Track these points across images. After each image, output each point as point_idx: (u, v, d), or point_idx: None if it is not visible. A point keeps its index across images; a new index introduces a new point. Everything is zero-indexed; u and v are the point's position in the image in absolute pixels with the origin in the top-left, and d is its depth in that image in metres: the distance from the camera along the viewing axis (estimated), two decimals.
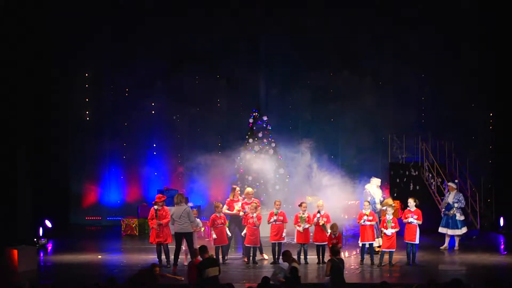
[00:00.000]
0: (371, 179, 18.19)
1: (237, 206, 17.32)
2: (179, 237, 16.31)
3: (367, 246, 16.60)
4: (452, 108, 22.19)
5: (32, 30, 19.76)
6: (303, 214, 16.67)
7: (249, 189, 17.64)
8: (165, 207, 16.86)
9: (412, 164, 21.79)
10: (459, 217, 18.29)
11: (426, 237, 17.69)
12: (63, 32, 22.07)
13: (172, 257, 16.39)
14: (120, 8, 22.68)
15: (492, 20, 21.40)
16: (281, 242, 16.77)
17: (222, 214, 16.90)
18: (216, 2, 22.59)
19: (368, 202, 16.94)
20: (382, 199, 17.76)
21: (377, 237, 16.87)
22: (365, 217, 16.44)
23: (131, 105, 23.52)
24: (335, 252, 13.63)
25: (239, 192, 17.65)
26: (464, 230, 18.46)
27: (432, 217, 19.10)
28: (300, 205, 16.84)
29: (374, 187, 17.95)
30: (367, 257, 16.57)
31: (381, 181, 18.63)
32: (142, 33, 22.88)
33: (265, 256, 17.16)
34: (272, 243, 16.79)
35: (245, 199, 17.32)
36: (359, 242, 16.76)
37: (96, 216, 23.77)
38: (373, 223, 16.52)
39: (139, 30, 22.84)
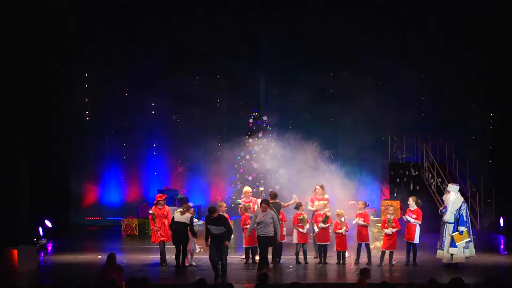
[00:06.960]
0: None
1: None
2: None
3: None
4: (452, 108, 22.18)
5: (32, 30, 19.73)
6: (301, 216, 16.60)
7: (247, 188, 17.61)
8: (166, 206, 16.90)
9: (412, 164, 21.78)
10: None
11: (426, 237, 17.65)
12: (63, 32, 22.05)
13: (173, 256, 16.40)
14: (120, 8, 22.66)
15: (492, 20, 21.39)
16: (281, 242, 16.63)
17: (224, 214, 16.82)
18: (216, 2, 22.59)
19: (365, 203, 16.88)
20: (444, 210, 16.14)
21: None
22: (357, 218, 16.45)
23: (131, 105, 23.51)
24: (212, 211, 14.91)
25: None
26: None
27: (433, 217, 19.05)
28: (297, 208, 16.75)
29: (449, 195, 16.15)
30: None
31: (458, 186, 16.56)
32: (142, 33, 22.87)
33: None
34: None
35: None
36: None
37: (96, 216, 23.74)
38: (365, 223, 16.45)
39: (139, 30, 22.83)
